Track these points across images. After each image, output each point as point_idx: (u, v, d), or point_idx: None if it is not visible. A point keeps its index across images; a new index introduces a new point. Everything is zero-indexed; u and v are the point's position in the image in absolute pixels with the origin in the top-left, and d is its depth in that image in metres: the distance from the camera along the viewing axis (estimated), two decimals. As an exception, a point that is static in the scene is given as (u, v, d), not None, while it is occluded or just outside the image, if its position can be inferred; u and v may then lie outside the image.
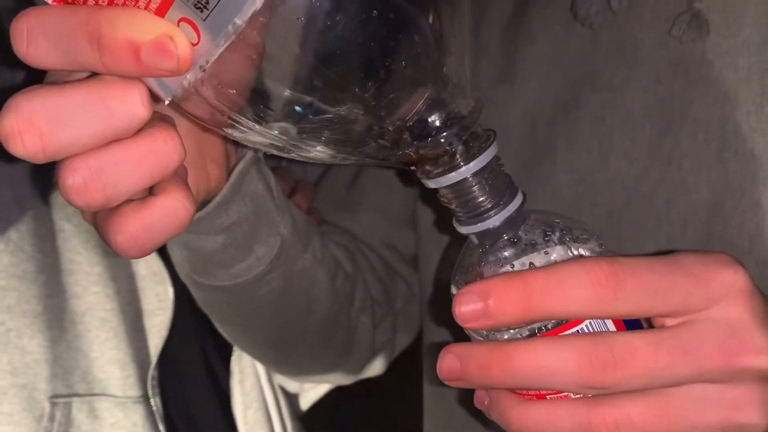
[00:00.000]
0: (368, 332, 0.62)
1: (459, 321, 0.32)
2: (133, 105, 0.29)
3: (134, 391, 0.67)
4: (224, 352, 0.74)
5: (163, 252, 0.69)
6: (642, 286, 0.31)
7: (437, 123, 0.32)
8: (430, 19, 0.30)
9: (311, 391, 0.82)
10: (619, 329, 0.34)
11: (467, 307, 0.32)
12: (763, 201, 0.44)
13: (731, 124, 0.44)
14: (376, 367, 0.68)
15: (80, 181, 0.29)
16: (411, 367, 0.70)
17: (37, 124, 0.28)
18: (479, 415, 0.55)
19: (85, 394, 0.65)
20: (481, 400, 0.37)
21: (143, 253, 0.32)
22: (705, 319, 0.32)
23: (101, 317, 0.66)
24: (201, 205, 0.43)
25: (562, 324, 0.33)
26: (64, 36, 0.28)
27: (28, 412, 0.62)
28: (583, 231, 0.36)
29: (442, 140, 0.33)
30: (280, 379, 0.78)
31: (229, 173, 0.43)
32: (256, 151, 0.44)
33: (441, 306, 0.59)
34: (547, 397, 0.34)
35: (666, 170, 0.46)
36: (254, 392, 0.74)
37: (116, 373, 0.66)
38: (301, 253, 0.52)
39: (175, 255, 0.51)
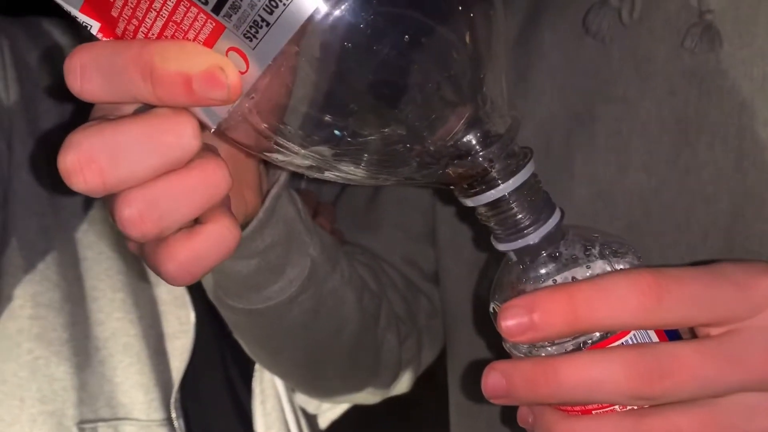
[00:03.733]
0: (394, 350, 0.62)
1: (505, 335, 0.32)
2: (186, 137, 0.30)
3: (158, 415, 0.67)
4: (246, 374, 0.74)
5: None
6: (686, 294, 0.32)
7: (476, 142, 0.33)
8: (468, 41, 0.31)
9: (329, 412, 0.82)
10: (662, 341, 0.34)
11: (513, 321, 0.32)
12: None
13: (749, 134, 0.44)
14: (403, 385, 0.68)
15: (136, 213, 0.30)
16: (432, 383, 0.71)
17: (97, 160, 0.29)
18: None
19: (110, 418, 0.66)
20: (525, 417, 0.36)
21: (193, 280, 0.33)
22: (749, 328, 0.32)
23: (124, 342, 0.67)
24: None
25: (606, 337, 0.33)
26: (117, 71, 0.30)
27: None
28: (621, 245, 0.36)
29: (481, 159, 0.33)
30: (300, 400, 0.78)
31: (262, 198, 0.45)
32: (293, 174, 0.46)
33: (465, 322, 0.59)
34: (593, 412, 0.34)
35: (684, 181, 0.46)
36: (275, 413, 0.74)
37: (140, 397, 0.67)
38: (330, 273, 0.52)
39: (208, 281, 0.51)
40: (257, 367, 0.75)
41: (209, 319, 0.72)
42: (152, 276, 0.69)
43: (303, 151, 0.32)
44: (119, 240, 0.68)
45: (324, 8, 0.27)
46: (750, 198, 0.44)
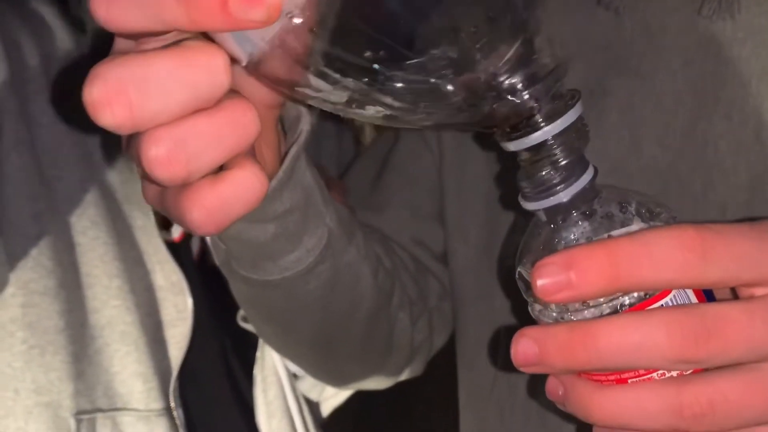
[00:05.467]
0: (406, 330, 0.61)
1: (540, 295, 0.30)
2: (218, 72, 0.29)
3: (157, 404, 0.66)
4: (246, 362, 0.73)
5: (181, 262, 0.68)
6: (731, 250, 0.30)
7: (523, 78, 0.31)
8: None
9: (332, 399, 0.81)
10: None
11: (549, 279, 0.30)
12: None
13: (767, 103, 0.43)
14: (415, 368, 0.67)
15: (164, 152, 0.29)
16: (432, 367, 0.70)
17: (125, 92, 0.28)
18: (517, 423, 0.54)
19: (107, 409, 0.64)
20: (554, 389, 0.34)
21: (218, 230, 0.31)
22: None
23: (121, 330, 0.65)
24: None
25: (644, 299, 0.32)
26: None
27: (54, 430, 0.61)
28: (658, 204, 0.34)
29: (527, 97, 0.32)
30: (303, 388, 0.77)
31: (280, 160, 0.43)
32: (311, 115, 0.44)
33: (473, 303, 0.59)
34: (629, 381, 0.32)
35: (702, 154, 0.45)
36: (278, 401, 0.73)
37: (138, 386, 0.65)
38: (346, 246, 0.51)
39: (220, 253, 0.50)
40: (258, 354, 0.73)
41: (208, 305, 0.71)
42: (149, 262, 0.68)
43: (345, 80, 0.30)
44: (114, 225, 0.66)
45: None
46: None
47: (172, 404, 0.67)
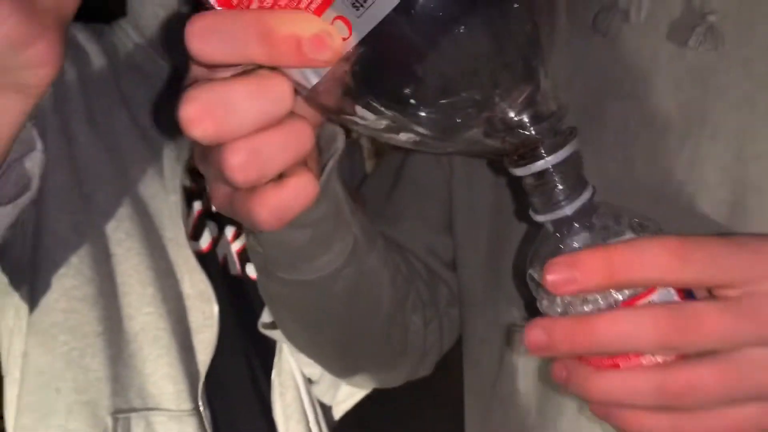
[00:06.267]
0: (420, 332, 0.65)
1: (550, 288, 0.37)
2: (285, 97, 0.35)
3: (187, 405, 0.70)
4: (267, 366, 0.77)
5: (208, 272, 0.73)
6: (707, 256, 0.36)
7: (531, 117, 0.38)
8: (532, 27, 0.36)
9: (343, 404, 0.85)
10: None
11: (557, 275, 0.37)
12: None
13: (750, 128, 0.47)
14: (425, 367, 0.71)
15: (243, 160, 0.35)
16: (442, 368, 0.73)
17: (214, 111, 0.34)
18: (518, 416, 0.59)
19: (141, 408, 0.68)
20: (560, 372, 0.41)
21: (280, 225, 0.37)
22: (763, 291, 0.37)
23: (154, 335, 0.70)
24: None
25: (634, 296, 0.38)
26: (235, 34, 0.34)
27: (92, 428, 0.65)
28: (647, 218, 0.41)
29: (534, 132, 0.38)
30: (317, 392, 0.81)
31: (319, 171, 0.48)
32: (350, 136, 0.49)
33: (481, 310, 0.62)
34: (621, 365, 0.38)
35: (688, 172, 0.49)
36: (295, 404, 0.77)
37: (169, 388, 0.69)
38: (369, 252, 0.56)
39: (260, 257, 0.54)
40: (276, 360, 0.77)
41: (233, 312, 0.75)
42: (178, 272, 0.72)
43: (386, 112, 0.36)
44: (147, 237, 0.71)
45: None
46: (750, 189, 0.47)
47: (201, 405, 0.71)
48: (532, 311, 0.44)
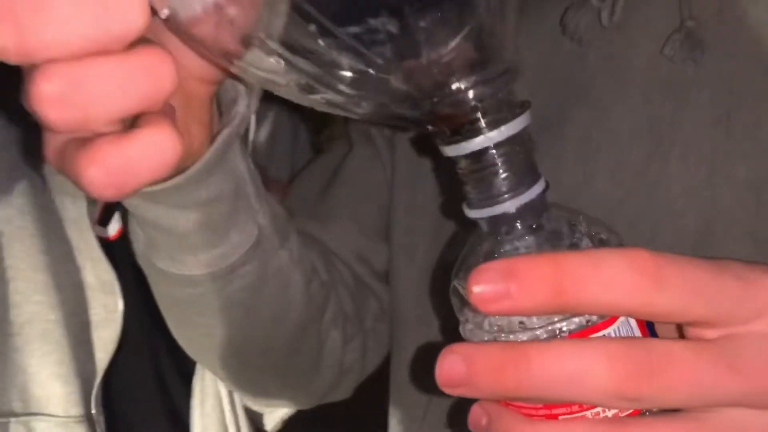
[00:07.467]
0: (338, 349, 0.59)
1: (475, 303, 0.27)
2: (133, 10, 0.25)
3: (76, 410, 0.62)
4: (183, 370, 0.70)
5: (114, 261, 0.65)
6: (686, 280, 0.27)
7: (468, 79, 0.29)
8: None
9: (276, 412, 0.77)
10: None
11: (486, 286, 0.27)
12: (756, 229, 0.41)
13: (722, 149, 0.42)
14: (342, 390, 0.64)
15: (58, 90, 0.26)
16: (380, 389, 0.66)
17: (16, 12, 0.24)
18: None
19: (22, 413, 0.61)
20: (478, 419, 0.31)
21: (119, 194, 0.28)
22: (750, 333, 0.28)
23: (43, 328, 0.62)
24: (180, 171, 0.39)
25: (586, 326, 0.29)
26: None
27: None
28: (608, 230, 0.32)
29: (470, 98, 0.30)
30: (245, 399, 0.73)
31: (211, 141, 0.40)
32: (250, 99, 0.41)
33: (413, 326, 0.56)
34: (559, 417, 0.29)
35: (652, 194, 0.44)
36: (215, 413, 0.70)
37: (57, 389, 0.62)
38: (278, 249, 0.49)
39: (139, 240, 0.47)
40: (198, 365, 0.69)
41: (141, 307, 0.67)
42: (79, 258, 0.64)
43: (282, 51, 0.28)
44: (42, 216, 0.63)
45: None
46: (720, 215, 0.42)
47: (93, 411, 0.63)
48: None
